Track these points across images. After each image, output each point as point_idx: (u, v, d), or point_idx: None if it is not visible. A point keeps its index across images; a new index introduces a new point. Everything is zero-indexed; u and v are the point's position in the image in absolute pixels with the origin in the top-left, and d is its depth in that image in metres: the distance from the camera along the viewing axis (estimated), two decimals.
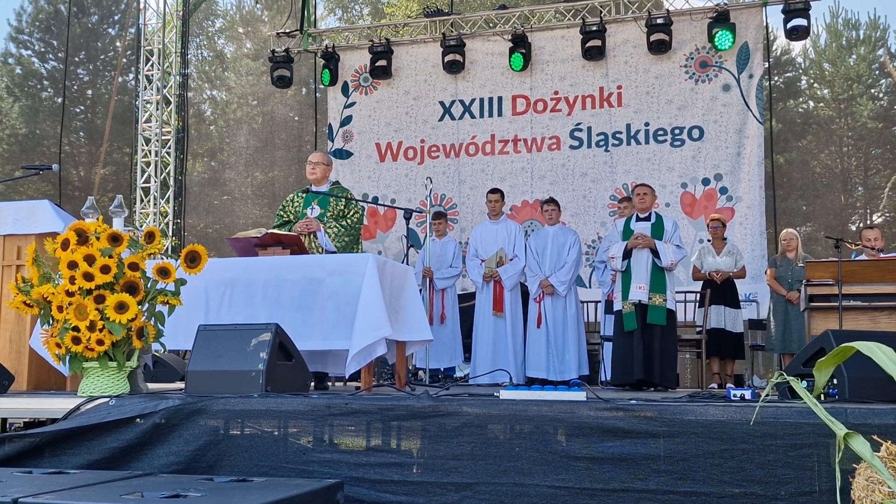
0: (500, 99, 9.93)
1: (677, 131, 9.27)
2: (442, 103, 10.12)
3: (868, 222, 15.73)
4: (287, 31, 10.86)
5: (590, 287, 8.67)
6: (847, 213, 16.80)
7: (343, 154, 10.37)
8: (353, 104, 10.49)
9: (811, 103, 17.81)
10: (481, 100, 9.99)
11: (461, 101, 10.05)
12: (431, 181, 7.63)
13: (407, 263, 6.27)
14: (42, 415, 3.75)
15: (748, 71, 9.10)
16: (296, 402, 3.31)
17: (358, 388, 4.39)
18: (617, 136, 9.47)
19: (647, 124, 9.38)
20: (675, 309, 6.16)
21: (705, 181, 9.10)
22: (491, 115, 9.94)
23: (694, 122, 9.22)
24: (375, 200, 9.99)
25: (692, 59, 9.29)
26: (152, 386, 4.74)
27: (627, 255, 6.06)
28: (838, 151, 16.93)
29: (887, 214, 15.66)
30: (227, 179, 17.12)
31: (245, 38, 19.25)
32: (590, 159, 9.53)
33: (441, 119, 10.11)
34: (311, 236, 5.29)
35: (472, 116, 10.00)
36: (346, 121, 10.47)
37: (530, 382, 6.81)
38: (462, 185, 9.91)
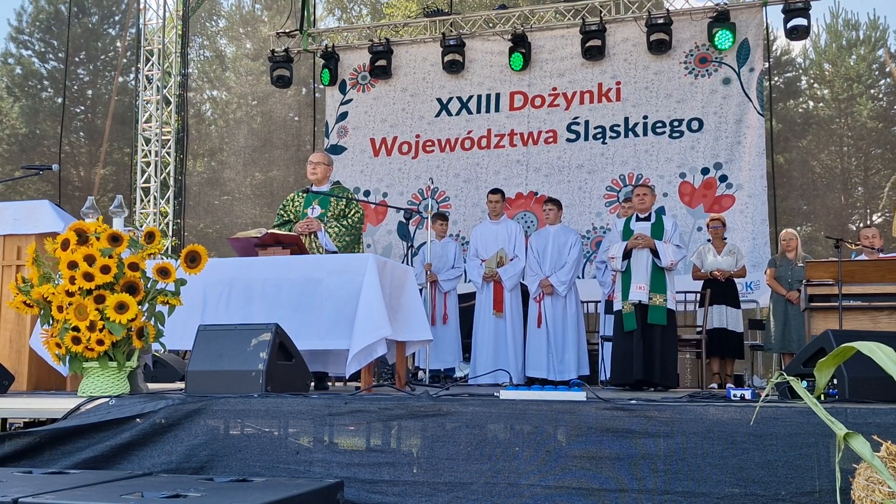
0: (497, 95, 9.94)
1: (676, 123, 9.25)
2: (439, 100, 10.13)
3: (868, 222, 15.73)
4: (287, 31, 10.87)
5: (583, 278, 8.57)
6: (847, 213, 16.79)
7: (337, 149, 10.39)
8: (349, 101, 10.51)
9: (811, 103, 17.81)
10: (479, 96, 10.00)
11: (458, 98, 10.06)
12: (433, 181, 7.64)
13: (409, 263, 6.26)
14: (42, 415, 3.75)
15: (749, 65, 9.10)
16: (296, 402, 3.31)
17: (358, 388, 4.39)
18: (615, 128, 9.47)
19: (645, 117, 9.37)
20: (676, 309, 6.16)
21: (704, 170, 9.07)
22: (488, 111, 9.95)
23: (693, 114, 9.20)
24: (367, 195, 10.02)
25: (692, 55, 9.29)
26: (152, 386, 4.74)
27: (627, 255, 6.06)
28: (838, 151, 16.92)
29: (887, 214, 15.65)
30: (226, 179, 17.11)
31: (245, 38, 19.24)
32: (586, 151, 9.51)
33: (438, 115, 10.12)
34: (312, 236, 5.29)
35: (469, 112, 10.01)
36: (342, 117, 10.50)
37: (530, 382, 6.81)
38: (456, 179, 9.91)
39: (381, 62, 10.12)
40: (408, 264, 5.78)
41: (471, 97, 10.02)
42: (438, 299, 7.59)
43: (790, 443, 2.85)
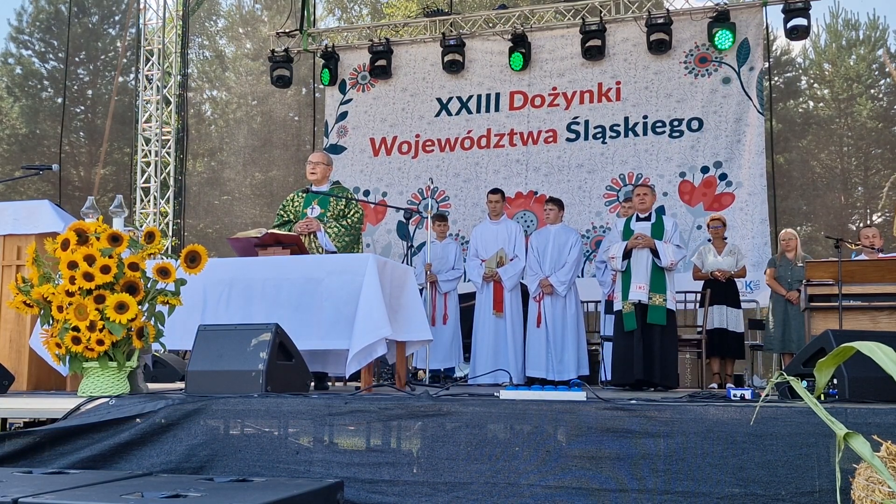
0: (497, 95, 9.94)
1: (676, 123, 9.24)
2: (439, 100, 10.14)
3: (868, 222, 15.73)
4: (287, 31, 10.87)
5: (582, 276, 8.53)
6: (847, 213, 16.79)
7: (336, 149, 10.39)
8: (349, 101, 10.52)
9: (811, 103, 17.81)
10: (479, 96, 10.00)
11: (458, 98, 10.06)
12: (433, 181, 7.63)
13: (408, 263, 6.27)
14: (42, 415, 3.75)
15: (749, 64, 9.10)
16: (296, 402, 3.31)
17: (358, 388, 4.39)
18: (615, 128, 9.47)
19: (645, 117, 9.37)
20: (675, 309, 6.16)
21: (704, 169, 9.07)
22: (488, 110, 9.95)
23: (693, 113, 9.20)
24: (367, 194, 10.02)
25: (692, 55, 9.29)
26: (152, 386, 4.74)
27: (627, 255, 6.06)
28: (838, 151, 16.92)
29: (887, 214, 15.64)
30: (226, 179, 17.11)
31: (245, 38, 19.24)
32: (586, 151, 9.51)
33: (437, 115, 10.13)
34: (312, 236, 5.29)
35: (469, 112, 10.01)
36: (342, 117, 10.50)
37: (530, 382, 6.81)
38: (456, 179, 9.91)
39: (381, 62, 10.12)
40: (407, 264, 5.78)
41: (471, 97, 10.02)
42: (438, 300, 7.59)
43: (790, 443, 2.85)
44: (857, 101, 16.60)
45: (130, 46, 13.69)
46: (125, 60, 16.37)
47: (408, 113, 10.23)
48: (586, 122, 9.56)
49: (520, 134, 9.78)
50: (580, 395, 3.28)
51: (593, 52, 9.43)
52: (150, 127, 11.12)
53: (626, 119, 9.42)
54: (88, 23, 18.24)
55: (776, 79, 16.01)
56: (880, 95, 16.99)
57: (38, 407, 3.73)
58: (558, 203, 7.42)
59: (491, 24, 10.07)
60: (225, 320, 4.40)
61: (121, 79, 16.39)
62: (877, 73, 17.07)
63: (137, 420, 3.31)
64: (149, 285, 3.74)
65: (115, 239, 3.68)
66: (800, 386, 1.95)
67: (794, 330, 6.98)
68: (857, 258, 6.65)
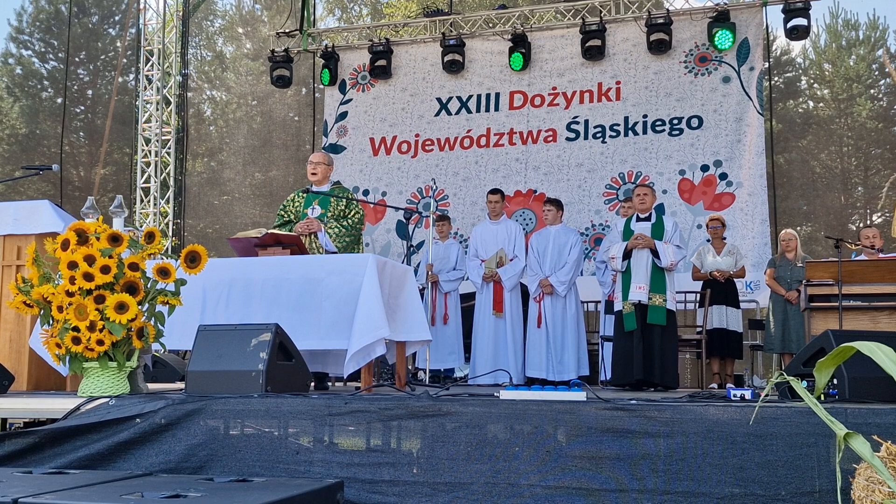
0: (497, 95, 9.95)
1: (676, 121, 9.24)
2: (439, 99, 10.14)
3: (868, 222, 15.73)
4: (287, 31, 10.87)
5: (581, 275, 8.50)
6: (847, 213, 16.77)
7: (336, 149, 10.39)
8: (349, 101, 10.52)
9: (811, 103, 17.80)
10: (478, 96, 10.00)
11: (458, 98, 10.06)
12: (435, 181, 7.63)
13: (408, 263, 6.26)
14: (42, 415, 3.75)
15: (748, 64, 9.10)
16: (296, 403, 3.31)
17: (358, 388, 4.39)
18: (614, 127, 9.46)
19: (644, 116, 9.37)
20: (675, 309, 6.16)
21: (704, 167, 9.07)
22: (488, 110, 9.95)
23: (693, 112, 9.19)
24: (366, 194, 10.02)
25: (692, 55, 9.30)
26: (152, 386, 4.74)
27: (627, 255, 6.06)
28: (838, 151, 16.91)
29: (887, 214, 15.63)
30: (226, 179, 17.10)
31: (245, 39, 19.23)
32: (586, 150, 9.51)
33: (437, 114, 10.13)
34: (312, 237, 5.29)
35: (469, 112, 10.02)
36: (342, 116, 10.51)
37: (530, 382, 6.81)
38: (455, 178, 9.91)
39: (381, 62, 10.12)
40: (406, 264, 5.78)
41: (470, 97, 10.02)
42: (439, 300, 7.59)
43: (790, 443, 2.85)
44: (857, 101, 16.59)
45: (130, 46, 13.68)
46: (125, 60, 16.36)
47: (407, 113, 10.24)
48: (586, 122, 9.56)
49: (519, 133, 9.78)
50: (580, 396, 3.28)
51: (593, 52, 9.43)
52: (150, 127, 11.13)
53: (626, 119, 9.42)
54: (88, 23, 18.23)
55: (776, 79, 16.01)
56: (880, 95, 16.98)
57: (38, 407, 3.73)
58: (557, 203, 7.42)
59: (491, 24, 10.07)
60: (225, 320, 4.40)
61: (121, 79, 16.38)
62: (877, 73, 17.06)
63: (137, 420, 3.31)
64: (149, 285, 3.74)
65: (115, 239, 3.68)
66: (800, 386, 1.95)
67: (793, 330, 6.98)
68: (857, 258, 6.65)
